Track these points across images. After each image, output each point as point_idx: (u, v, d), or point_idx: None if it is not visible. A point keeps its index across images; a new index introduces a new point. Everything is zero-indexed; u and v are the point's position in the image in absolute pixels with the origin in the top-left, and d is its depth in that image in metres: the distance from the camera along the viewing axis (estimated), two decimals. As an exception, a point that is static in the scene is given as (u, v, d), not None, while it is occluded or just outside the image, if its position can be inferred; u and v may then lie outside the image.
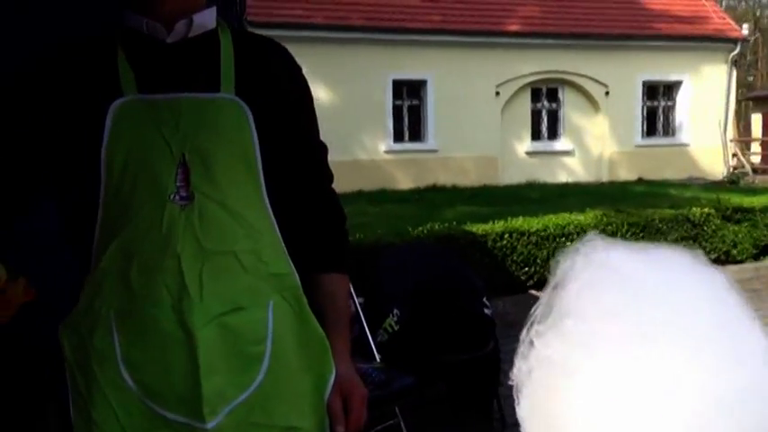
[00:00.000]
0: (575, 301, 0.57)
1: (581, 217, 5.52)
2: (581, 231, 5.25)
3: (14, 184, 0.99)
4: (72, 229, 1.04)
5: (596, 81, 13.54)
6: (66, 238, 1.05)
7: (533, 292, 5.04)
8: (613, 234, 5.29)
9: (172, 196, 0.97)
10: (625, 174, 13.63)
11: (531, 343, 0.58)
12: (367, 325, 2.78)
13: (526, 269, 5.07)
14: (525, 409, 0.57)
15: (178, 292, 0.96)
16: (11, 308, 2.27)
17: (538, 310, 0.60)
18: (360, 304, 2.88)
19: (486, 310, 3.08)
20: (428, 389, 3.10)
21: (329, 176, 1.20)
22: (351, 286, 2.69)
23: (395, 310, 2.89)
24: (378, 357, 2.69)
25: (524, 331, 0.59)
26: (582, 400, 0.52)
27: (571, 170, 13.65)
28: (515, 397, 0.59)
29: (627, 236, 5.39)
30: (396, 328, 2.84)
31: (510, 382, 0.59)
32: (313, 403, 1.08)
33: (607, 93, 13.66)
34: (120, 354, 0.97)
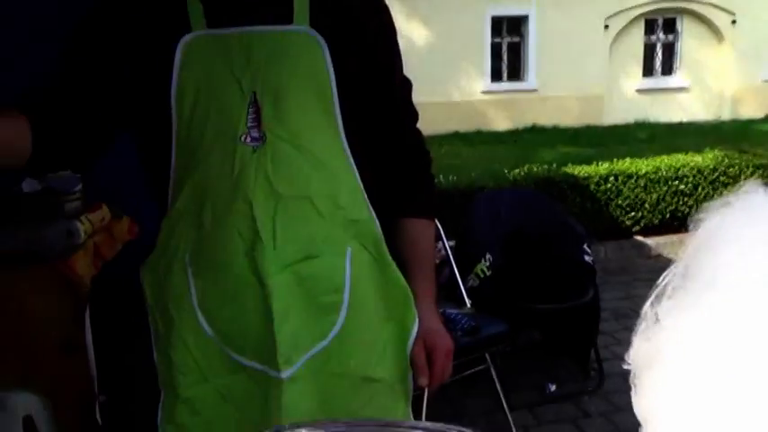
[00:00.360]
0: (729, 271, 0.42)
1: (698, 158, 5.02)
2: (697, 174, 4.81)
3: (93, 123, 0.97)
4: (149, 171, 1.02)
5: (721, 9, 12.20)
6: (145, 179, 1.04)
7: (639, 238, 4.73)
8: (736, 178, 4.81)
9: (243, 137, 0.91)
10: (750, 111, 12.37)
11: (658, 321, 0.45)
12: (458, 269, 2.71)
13: (632, 214, 4.75)
14: (644, 408, 0.45)
15: (251, 239, 0.92)
16: (115, 245, 2.40)
17: (668, 280, 0.46)
18: (450, 248, 2.81)
19: (587, 257, 2.92)
20: (521, 336, 3.01)
21: (413, 115, 1.10)
22: (441, 230, 2.63)
23: (487, 255, 2.80)
24: (468, 303, 2.62)
25: (647, 304, 0.46)
26: (730, 409, 0.39)
27: (686, 108, 12.57)
28: (632, 384, 0.47)
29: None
30: (488, 273, 2.75)
31: (626, 366, 0.47)
32: (394, 354, 1.03)
33: (734, 21, 12.29)
34: (197, 299, 0.95)
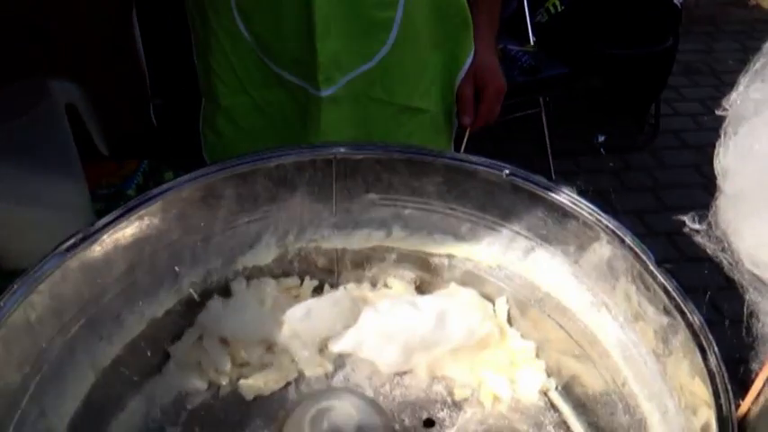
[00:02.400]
0: None
1: None
2: None
3: None
4: None
5: None
6: None
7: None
8: None
9: None
10: None
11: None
12: (527, 1, 2.46)
13: (740, -48, 4.08)
14: (729, 159, 0.39)
15: None
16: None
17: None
18: (522, -24, 2.51)
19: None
20: (579, 82, 2.87)
21: None
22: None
23: (563, -13, 2.51)
24: (532, 40, 2.43)
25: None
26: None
27: None
28: (722, 133, 0.40)
29: None
30: (560, 9, 2.50)
31: (720, 112, 0.39)
32: (441, 85, 0.97)
33: None
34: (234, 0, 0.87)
